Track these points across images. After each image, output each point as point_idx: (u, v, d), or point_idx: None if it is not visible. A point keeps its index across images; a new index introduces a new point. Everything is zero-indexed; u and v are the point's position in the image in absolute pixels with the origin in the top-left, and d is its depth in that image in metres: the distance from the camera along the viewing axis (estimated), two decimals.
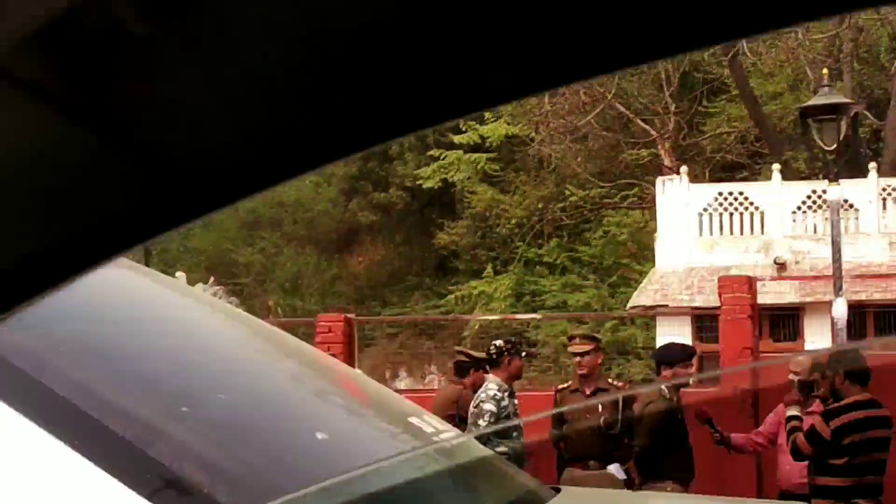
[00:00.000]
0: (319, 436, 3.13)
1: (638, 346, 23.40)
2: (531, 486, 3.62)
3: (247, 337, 3.67)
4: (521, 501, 3.42)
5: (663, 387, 8.96)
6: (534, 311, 26.65)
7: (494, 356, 9.42)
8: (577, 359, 9.78)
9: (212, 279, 32.44)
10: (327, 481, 2.60)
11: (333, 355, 12.29)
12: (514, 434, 9.29)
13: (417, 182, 31.35)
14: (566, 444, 9.84)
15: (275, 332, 3.94)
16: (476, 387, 9.84)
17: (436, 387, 25.66)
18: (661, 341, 18.23)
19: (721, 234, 22.95)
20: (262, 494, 2.87)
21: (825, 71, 13.97)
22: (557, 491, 3.78)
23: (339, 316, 13.25)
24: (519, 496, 3.46)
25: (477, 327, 25.44)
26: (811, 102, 12.39)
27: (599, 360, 9.90)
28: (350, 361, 12.81)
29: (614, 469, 9.32)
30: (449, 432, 3.58)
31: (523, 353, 9.77)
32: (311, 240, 35.60)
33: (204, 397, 3.08)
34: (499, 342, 9.57)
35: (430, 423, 3.53)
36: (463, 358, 10.76)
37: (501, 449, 9.10)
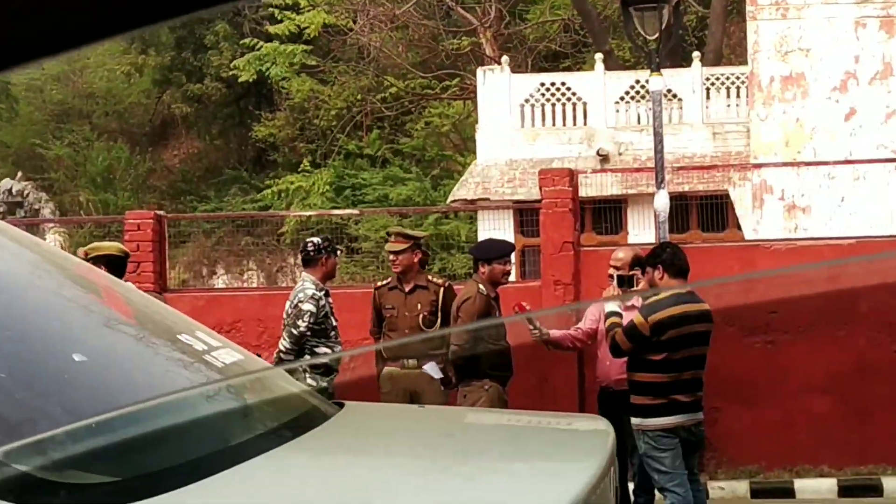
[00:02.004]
0: (77, 357, 2.86)
1: (461, 239, 23.35)
2: (313, 404, 3.42)
3: None
4: (298, 421, 3.22)
5: (480, 284, 8.84)
6: (354, 205, 26.43)
7: (311, 254, 9.29)
8: (392, 257, 9.73)
9: (19, 174, 31.45)
10: (87, 420, 2.37)
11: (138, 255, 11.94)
12: (332, 334, 9.17)
13: (233, 73, 30.70)
14: (385, 343, 9.78)
15: (36, 245, 3.63)
16: None
17: (256, 283, 25.38)
18: (482, 235, 18.23)
19: (543, 125, 22.93)
20: (14, 423, 2.59)
21: None
22: (342, 406, 3.59)
23: (149, 213, 12.86)
24: (297, 416, 3.26)
25: (296, 223, 25.13)
26: None
27: (416, 258, 9.81)
28: (161, 260, 12.55)
29: (430, 367, 9.27)
30: (223, 347, 3.33)
31: (339, 251, 9.63)
32: (124, 132, 34.80)
33: None
34: (315, 240, 9.46)
35: (203, 339, 3.28)
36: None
37: (322, 350, 8.99)
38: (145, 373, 3.03)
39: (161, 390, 2.85)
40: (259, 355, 9.43)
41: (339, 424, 3.36)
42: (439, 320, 9.59)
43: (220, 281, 26.32)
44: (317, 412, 3.35)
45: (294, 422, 3.20)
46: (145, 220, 12.51)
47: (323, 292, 9.17)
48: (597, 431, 4.11)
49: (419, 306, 9.66)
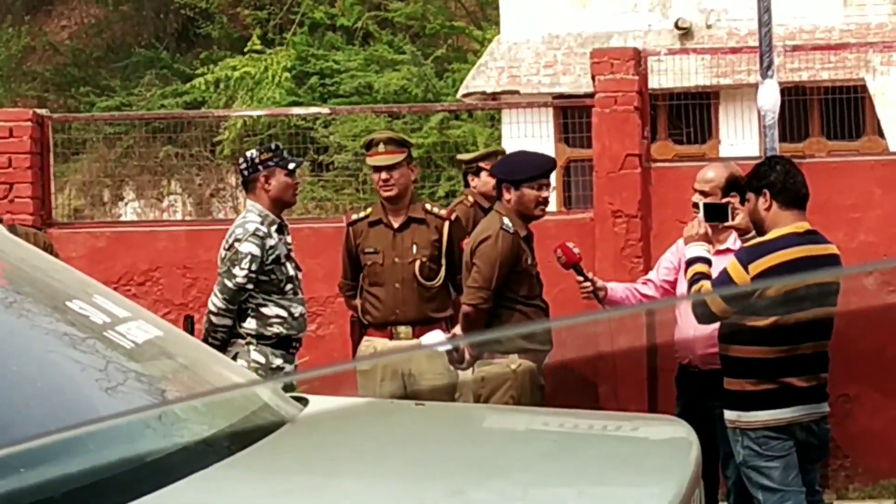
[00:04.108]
0: None
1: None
2: (262, 402, 3.40)
3: None
4: (240, 427, 3.21)
5: (504, 217, 8.78)
6: (323, 100, 26.42)
7: (246, 173, 9.18)
8: (381, 174, 9.65)
9: None
10: None
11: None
12: (289, 289, 9.12)
13: None
14: (364, 302, 9.74)
15: None
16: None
17: (181, 215, 25.40)
18: (510, 145, 18.16)
19: None
20: None
21: None
22: (305, 403, 3.58)
23: (25, 112, 12.89)
24: (238, 419, 3.24)
25: (240, 126, 25.13)
26: None
27: (414, 176, 9.78)
28: (44, 181, 12.55)
29: (432, 338, 9.26)
30: (132, 319, 3.30)
31: (292, 165, 9.42)
32: None
33: None
34: (252, 153, 9.33)
35: (103, 306, 3.25)
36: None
37: (272, 311, 8.95)
38: (24, 357, 3.00)
39: (49, 384, 2.83)
40: (190, 320, 9.45)
41: (300, 432, 3.34)
42: (443, 269, 9.57)
43: (129, 210, 26.36)
44: (267, 413, 3.33)
45: (234, 428, 3.17)
46: (20, 121, 12.52)
47: (274, 226, 9.09)
48: (674, 441, 4.07)
49: (415, 248, 9.61)
